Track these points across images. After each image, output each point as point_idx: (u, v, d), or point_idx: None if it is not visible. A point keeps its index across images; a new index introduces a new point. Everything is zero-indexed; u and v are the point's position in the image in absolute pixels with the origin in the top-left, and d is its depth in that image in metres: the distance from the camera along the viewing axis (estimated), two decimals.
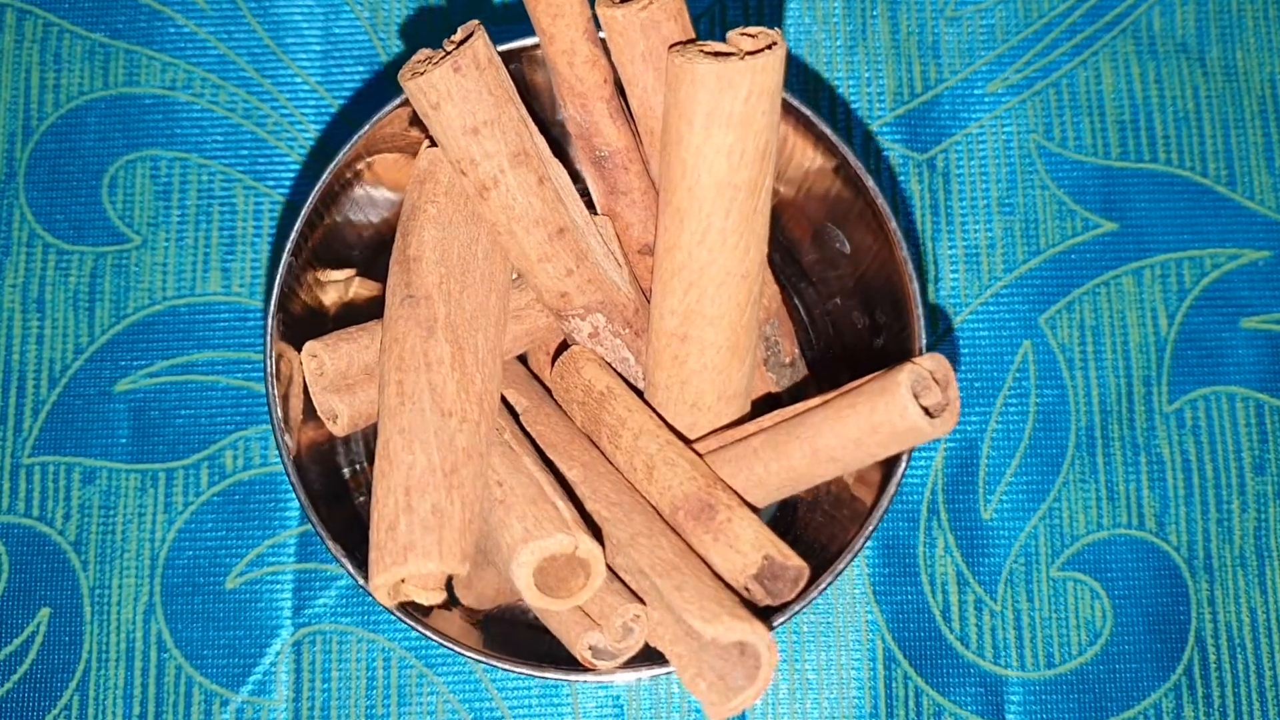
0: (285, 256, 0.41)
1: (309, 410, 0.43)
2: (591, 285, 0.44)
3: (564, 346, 0.47)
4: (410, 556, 0.37)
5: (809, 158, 0.45)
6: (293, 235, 0.41)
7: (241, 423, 0.52)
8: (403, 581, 0.38)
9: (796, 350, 0.48)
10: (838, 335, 0.49)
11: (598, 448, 0.44)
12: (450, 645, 0.39)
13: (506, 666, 0.39)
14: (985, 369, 0.52)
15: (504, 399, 0.45)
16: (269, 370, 0.41)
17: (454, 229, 0.43)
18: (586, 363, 0.45)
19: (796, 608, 0.39)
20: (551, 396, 0.46)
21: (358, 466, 0.46)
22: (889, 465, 0.41)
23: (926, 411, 0.37)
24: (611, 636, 0.39)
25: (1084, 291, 0.53)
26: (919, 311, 0.41)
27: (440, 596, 0.38)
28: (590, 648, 0.39)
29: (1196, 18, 0.55)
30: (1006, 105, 0.54)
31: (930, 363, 0.38)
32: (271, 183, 0.53)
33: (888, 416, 0.37)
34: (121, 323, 0.52)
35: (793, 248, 0.50)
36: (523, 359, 0.49)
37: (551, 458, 0.43)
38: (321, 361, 0.42)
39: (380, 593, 0.38)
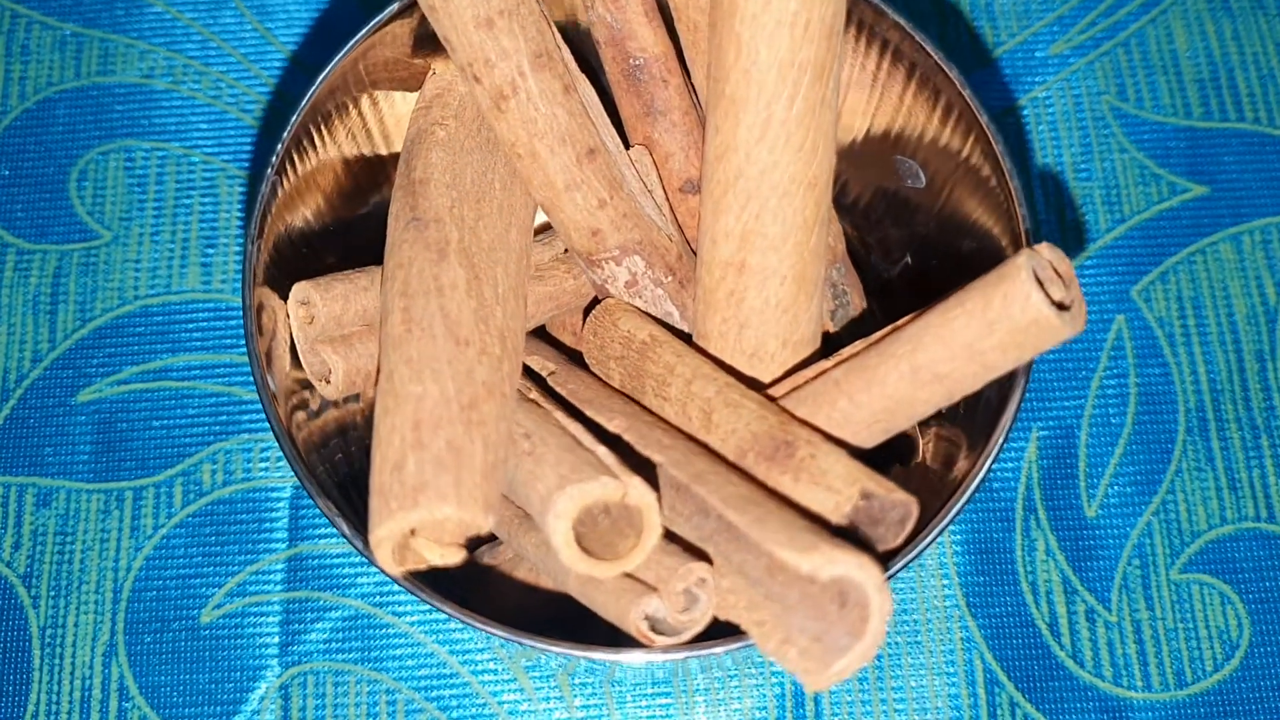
0: (269, 174, 0.34)
1: (297, 363, 0.35)
2: (628, 221, 0.36)
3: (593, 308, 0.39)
4: (421, 499, 0.29)
5: (874, 73, 0.38)
6: (279, 150, 0.34)
7: (221, 433, 0.43)
8: (412, 535, 0.30)
9: (864, 305, 0.40)
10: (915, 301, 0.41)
11: (641, 405, 0.36)
12: (480, 623, 0.31)
13: (544, 645, 0.31)
14: (1075, 348, 0.45)
15: (526, 367, 0.37)
16: (248, 302, 0.33)
17: (466, 155, 0.36)
18: (624, 313, 0.37)
19: (902, 560, 0.30)
20: (582, 364, 0.38)
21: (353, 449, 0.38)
22: (1004, 390, 0.33)
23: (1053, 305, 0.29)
24: (673, 605, 0.30)
25: (1178, 260, 0.46)
26: (1023, 211, 0.34)
27: (458, 556, 0.30)
28: (646, 618, 0.30)
29: None
30: (1073, 67, 0.48)
31: (1049, 252, 0.30)
32: (258, 171, 0.46)
33: (1006, 309, 0.29)
34: (86, 326, 0.45)
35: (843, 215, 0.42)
36: (543, 335, 0.41)
37: (588, 414, 0.35)
38: (312, 306, 0.34)
39: (382, 551, 0.29)
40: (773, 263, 0.34)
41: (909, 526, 0.30)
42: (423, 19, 0.36)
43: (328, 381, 0.35)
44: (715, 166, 0.34)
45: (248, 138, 0.47)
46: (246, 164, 0.46)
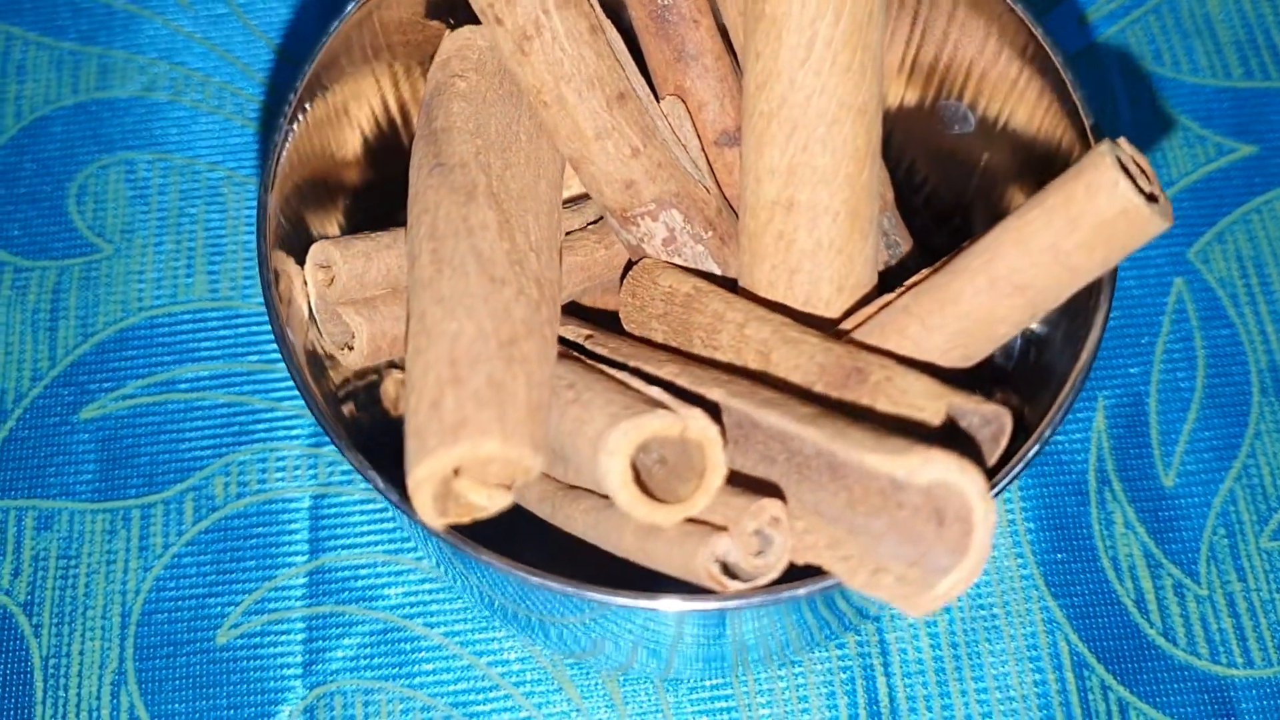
0: (282, 123, 0.31)
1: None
2: (663, 172, 0.34)
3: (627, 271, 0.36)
4: (463, 434, 0.26)
5: (915, 6, 0.35)
6: (292, 99, 0.31)
7: (234, 444, 0.40)
8: (455, 476, 0.26)
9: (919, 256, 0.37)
10: None
11: (691, 355, 0.33)
12: (541, 578, 0.27)
13: (600, 597, 0.27)
14: (1135, 313, 0.42)
15: (560, 337, 0.34)
16: (263, 253, 0.30)
17: (489, 107, 0.33)
18: (663, 270, 0.34)
19: (1005, 476, 0.27)
20: (620, 332, 0.35)
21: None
22: (1092, 298, 0.29)
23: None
24: (745, 548, 0.27)
25: (1233, 220, 0.43)
26: (1090, 122, 0.31)
27: (506, 499, 0.27)
28: (717, 560, 0.27)
29: None
30: (1102, 36, 0.46)
31: (1128, 146, 0.28)
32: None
33: (1091, 201, 0.27)
34: (88, 341, 0.41)
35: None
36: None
37: (634, 366, 0.32)
38: (332, 266, 0.32)
39: (422, 495, 0.26)
40: (823, 198, 0.31)
41: (1004, 440, 0.26)
42: None
43: (350, 348, 0.32)
44: (757, 97, 0.31)
45: (253, 144, 0.44)
46: (253, 170, 0.44)
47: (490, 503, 0.26)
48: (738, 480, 0.28)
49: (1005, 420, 0.26)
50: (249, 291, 0.42)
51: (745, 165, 0.32)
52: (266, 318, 0.40)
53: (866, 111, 0.31)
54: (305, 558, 0.39)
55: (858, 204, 0.32)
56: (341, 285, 0.31)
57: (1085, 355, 0.28)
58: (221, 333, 0.41)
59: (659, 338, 0.33)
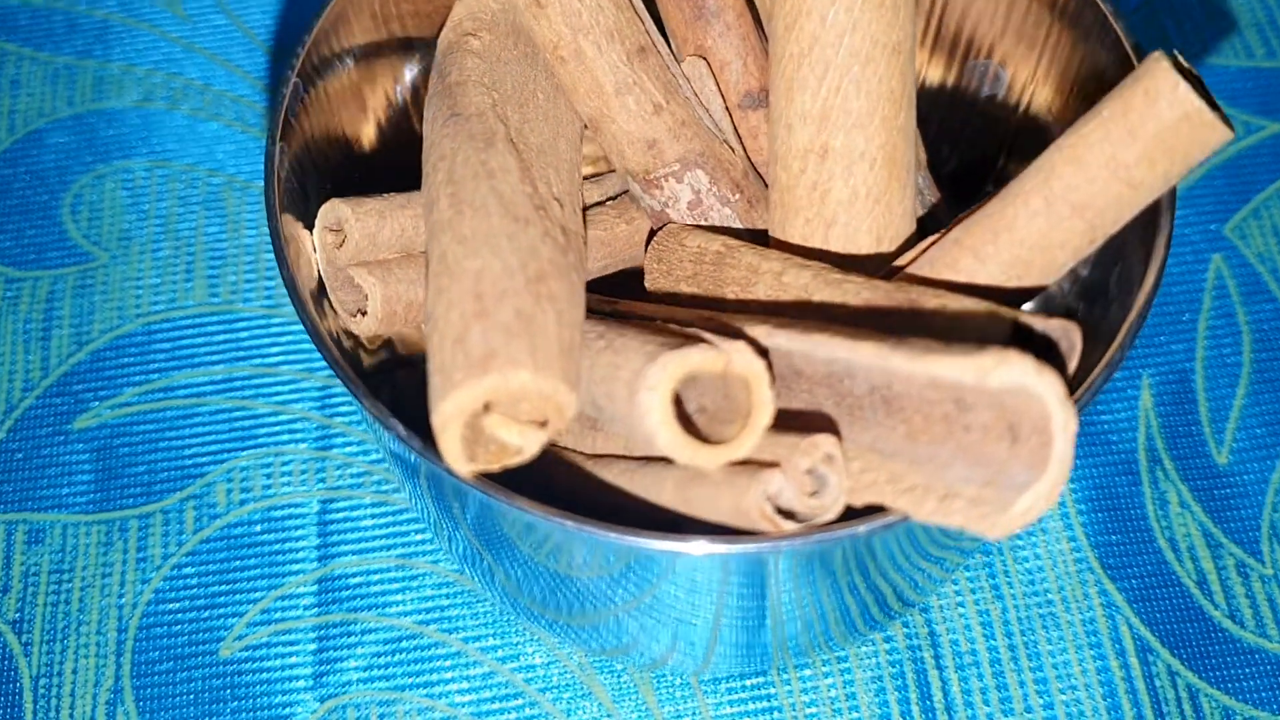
0: (290, 76, 0.30)
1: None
2: (687, 130, 0.32)
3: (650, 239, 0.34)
4: (492, 365, 0.23)
5: None
6: (300, 52, 0.30)
7: (236, 449, 0.38)
8: (486, 412, 0.24)
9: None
10: None
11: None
12: (580, 523, 0.25)
13: (651, 540, 0.25)
14: (1174, 290, 0.40)
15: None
16: (272, 203, 0.28)
17: (504, 65, 0.32)
18: (689, 232, 0.32)
19: (1088, 388, 0.25)
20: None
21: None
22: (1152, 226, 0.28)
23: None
24: (799, 487, 0.25)
25: (1267, 196, 0.41)
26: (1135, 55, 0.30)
27: (541, 439, 0.24)
28: (770, 499, 0.25)
29: None
30: None
31: (1182, 59, 0.26)
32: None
33: (1151, 108, 0.25)
34: (83, 349, 0.39)
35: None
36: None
37: (665, 316, 0.30)
38: (344, 224, 0.30)
39: (449, 435, 0.24)
40: (859, 143, 0.30)
41: (1076, 356, 0.24)
42: None
43: (363, 313, 0.30)
44: (785, 38, 0.30)
45: (253, 150, 0.43)
46: (253, 174, 0.42)
47: (523, 441, 0.24)
48: (784, 423, 0.26)
49: (1075, 335, 0.24)
50: (250, 295, 0.40)
51: (775, 113, 0.31)
52: (268, 320, 0.39)
53: (901, 51, 0.30)
54: (314, 564, 0.36)
55: (895, 149, 0.30)
56: (354, 245, 0.29)
57: (1152, 275, 0.26)
58: (222, 337, 0.39)
59: (689, 300, 0.32)
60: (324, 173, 0.32)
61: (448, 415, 0.23)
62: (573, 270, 0.27)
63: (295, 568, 0.36)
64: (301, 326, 0.39)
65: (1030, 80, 0.34)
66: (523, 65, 0.32)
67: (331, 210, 0.30)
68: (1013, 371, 0.21)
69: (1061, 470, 0.22)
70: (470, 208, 0.27)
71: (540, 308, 0.25)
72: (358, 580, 0.36)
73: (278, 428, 0.38)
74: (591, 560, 0.29)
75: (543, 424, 0.24)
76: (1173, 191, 0.27)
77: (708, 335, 0.25)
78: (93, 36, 0.45)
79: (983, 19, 0.34)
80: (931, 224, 0.33)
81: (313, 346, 0.39)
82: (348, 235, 0.29)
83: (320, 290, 0.29)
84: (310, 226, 0.30)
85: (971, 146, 0.37)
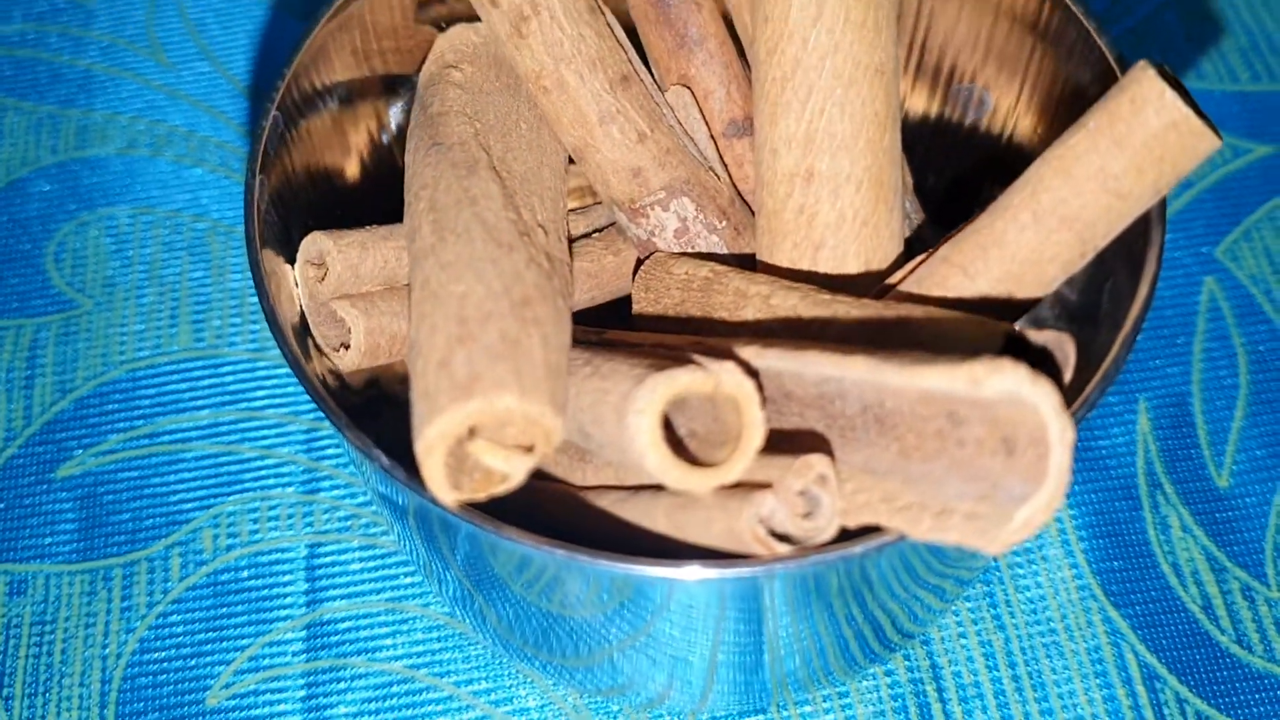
0: (270, 109, 0.29)
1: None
2: (672, 158, 0.32)
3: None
4: (476, 389, 0.23)
5: None
6: (279, 85, 0.30)
7: (222, 494, 0.37)
8: (470, 438, 0.23)
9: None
10: None
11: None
12: (572, 551, 0.24)
13: (646, 567, 0.24)
14: (1168, 315, 0.40)
15: None
16: (251, 234, 0.28)
17: (486, 96, 0.31)
18: (676, 259, 0.32)
19: (1083, 402, 0.24)
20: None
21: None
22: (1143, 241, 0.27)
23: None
24: (792, 509, 0.24)
25: (1258, 218, 0.41)
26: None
27: (527, 464, 0.24)
28: (761, 521, 0.24)
29: None
30: None
31: (1166, 69, 0.26)
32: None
33: (1138, 117, 0.25)
34: (66, 397, 0.39)
35: None
36: None
37: (653, 343, 0.29)
38: (326, 257, 0.29)
39: (433, 462, 0.23)
40: (844, 166, 0.30)
41: (1071, 364, 0.24)
42: None
43: (346, 347, 0.30)
44: (768, 63, 0.30)
45: (238, 195, 0.42)
46: (238, 219, 0.42)
47: (510, 467, 0.23)
48: (776, 445, 0.25)
49: (1069, 346, 0.24)
50: (235, 339, 0.40)
51: (759, 138, 0.31)
52: (254, 364, 0.38)
53: (884, 72, 0.30)
54: (302, 610, 0.35)
55: (881, 171, 0.30)
56: (336, 277, 0.29)
57: (1145, 285, 0.26)
58: (207, 382, 0.39)
59: (677, 328, 0.31)
60: (305, 208, 0.31)
61: (432, 441, 0.23)
62: (558, 296, 0.27)
63: (283, 613, 0.35)
64: (287, 369, 0.38)
65: (1015, 103, 0.33)
66: (505, 96, 0.32)
67: (313, 243, 0.29)
68: (1006, 380, 0.21)
69: (1060, 481, 0.21)
70: (453, 234, 0.26)
71: (525, 331, 0.25)
72: (347, 625, 0.35)
73: (264, 472, 0.37)
74: (585, 595, 0.28)
75: (529, 449, 0.24)
76: (1163, 203, 0.27)
77: (696, 357, 0.25)
78: (76, 86, 0.45)
79: (965, 44, 0.34)
80: (919, 247, 0.32)
81: (298, 388, 0.38)
82: (329, 267, 0.29)
83: (303, 325, 0.29)
84: (292, 262, 0.30)
85: (958, 173, 0.36)
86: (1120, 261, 0.28)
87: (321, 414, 0.37)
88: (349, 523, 0.37)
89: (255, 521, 0.37)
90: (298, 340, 0.27)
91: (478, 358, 0.24)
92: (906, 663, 0.34)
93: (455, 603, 0.33)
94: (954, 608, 0.35)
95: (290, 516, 0.37)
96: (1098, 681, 0.34)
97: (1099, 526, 0.36)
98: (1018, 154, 0.34)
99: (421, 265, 0.26)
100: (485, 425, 0.23)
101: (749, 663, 0.31)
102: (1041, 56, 0.32)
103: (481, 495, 0.24)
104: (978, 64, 0.34)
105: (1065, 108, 0.32)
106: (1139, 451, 0.37)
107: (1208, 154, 0.25)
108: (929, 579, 0.29)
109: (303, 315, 0.29)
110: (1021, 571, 0.35)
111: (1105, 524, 0.36)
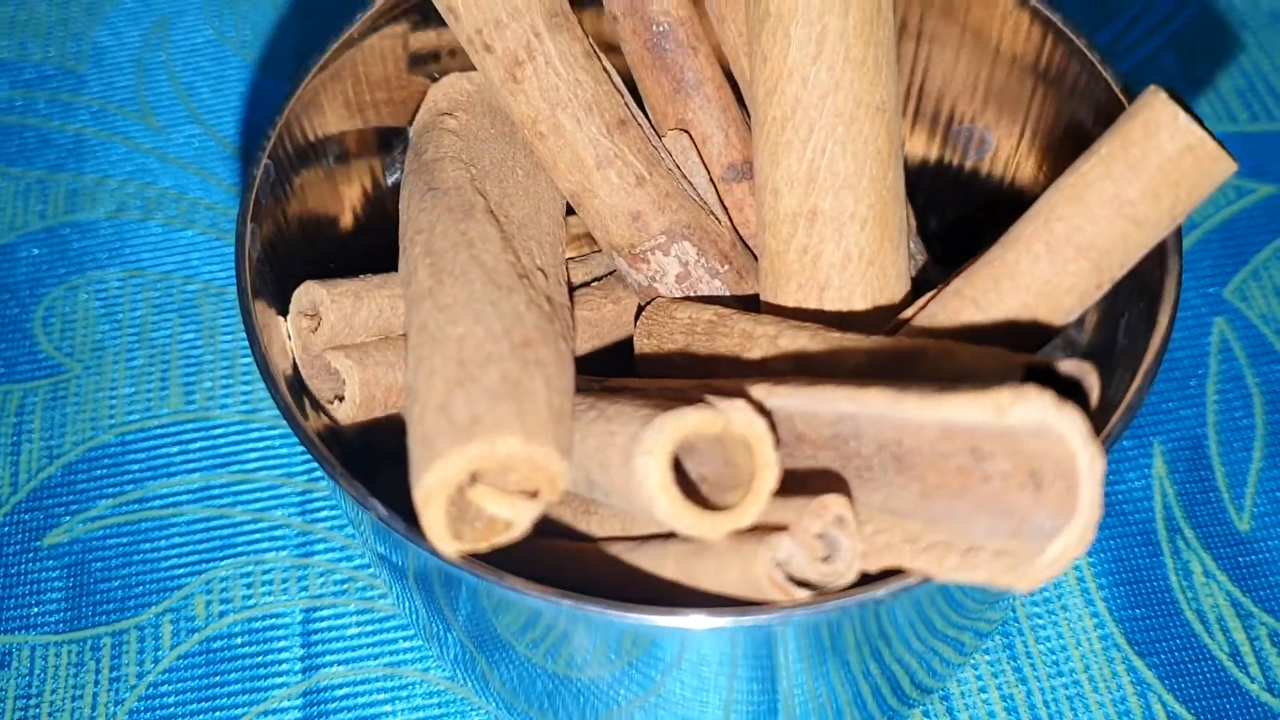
0: (262, 157, 0.29)
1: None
2: (672, 201, 0.31)
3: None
4: (478, 432, 0.22)
5: (918, 25, 0.34)
6: (270, 133, 0.29)
7: (215, 558, 0.36)
8: (472, 485, 0.22)
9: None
10: None
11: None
12: (582, 603, 0.23)
13: (664, 618, 0.23)
14: (1178, 356, 0.39)
15: None
16: (244, 285, 0.27)
17: (481, 143, 0.31)
18: (679, 304, 0.31)
19: (1113, 426, 0.23)
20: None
21: None
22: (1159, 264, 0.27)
23: None
24: (810, 552, 0.23)
25: (1266, 258, 0.41)
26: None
27: (534, 511, 0.23)
28: (778, 565, 0.23)
29: None
30: None
31: (1175, 94, 0.25)
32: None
33: (1152, 140, 0.24)
34: (54, 463, 0.38)
35: None
36: None
37: (658, 389, 0.28)
38: (319, 307, 0.28)
39: (433, 509, 0.22)
40: (849, 205, 0.29)
41: (1095, 393, 0.23)
42: (413, 33, 0.32)
43: (340, 399, 0.29)
44: (767, 103, 0.29)
45: (229, 254, 0.42)
46: (228, 280, 0.41)
47: (514, 513, 0.22)
48: (789, 487, 0.24)
49: (1091, 376, 0.23)
50: (226, 401, 0.39)
51: (760, 180, 0.30)
52: (246, 425, 0.37)
53: (886, 110, 0.29)
54: (299, 676, 0.34)
55: (885, 210, 0.29)
56: (329, 328, 0.28)
57: (1165, 314, 0.25)
58: (198, 445, 0.38)
59: (681, 373, 0.30)
60: (298, 261, 0.30)
61: (431, 487, 0.22)
62: (560, 339, 0.26)
63: (279, 680, 0.34)
64: (280, 430, 0.37)
65: (1017, 144, 0.33)
66: (500, 144, 0.31)
67: (306, 293, 0.29)
68: (1031, 408, 0.20)
69: (1092, 514, 0.20)
70: (450, 276, 0.26)
71: (527, 372, 0.24)
72: (344, 692, 0.34)
73: (258, 535, 0.36)
74: (592, 652, 0.27)
75: (534, 495, 0.23)
76: (1178, 232, 0.26)
77: (706, 397, 0.24)
78: (65, 151, 0.44)
79: (964, 88, 0.33)
80: (925, 288, 0.32)
81: (292, 450, 0.37)
82: (323, 317, 0.28)
83: (296, 376, 0.28)
84: (285, 315, 0.29)
85: (961, 216, 0.36)
86: (1136, 295, 0.27)
87: (316, 475, 0.36)
88: (345, 586, 0.35)
89: (249, 586, 0.35)
90: (291, 391, 0.26)
91: (478, 400, 0.23)
92: (925, 719, 0.33)
93: (457, 665, 0.32)
94: (973, 661, 0.34)
95: (285, 581, 0.36)
96: None
97: (1119, 574, 0.35)
98: (1021, 195, 0.34)
99: (418, 309, 0.25)
100: (487, 471, 0.22)
101: (763, 716, 0.29)
102: (1044, 95, 0.31)
103: (484, 546, 0.23)
104: (978, 107, 0.34)
105: (1069, 145, 0.31)
106: (1156, 496, 0.36)
107: (1224, 177, 0.24)
108: (947, 631, 0.28)
109: (295, 366, 0.28)
110: (1041, 622, 0.34)
111: (1125, 571, 0.35)
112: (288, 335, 0.29)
